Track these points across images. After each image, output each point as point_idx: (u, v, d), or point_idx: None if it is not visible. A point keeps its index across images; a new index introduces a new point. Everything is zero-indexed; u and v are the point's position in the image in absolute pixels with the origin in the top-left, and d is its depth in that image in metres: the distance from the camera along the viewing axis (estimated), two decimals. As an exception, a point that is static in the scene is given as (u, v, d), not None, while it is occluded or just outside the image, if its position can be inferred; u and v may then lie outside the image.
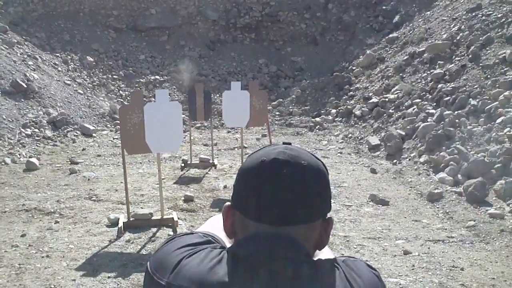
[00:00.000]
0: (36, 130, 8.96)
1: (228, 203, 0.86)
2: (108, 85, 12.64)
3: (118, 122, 8.41)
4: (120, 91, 12.68)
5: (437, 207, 5.67)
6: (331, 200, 0.85)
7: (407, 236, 4.82)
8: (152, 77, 13.41)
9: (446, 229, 4.98)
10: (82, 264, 4.11)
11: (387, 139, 8.24)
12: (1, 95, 9.06)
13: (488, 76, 7.81)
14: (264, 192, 0.77)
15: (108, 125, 10.88)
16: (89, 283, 3.78)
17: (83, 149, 8.83)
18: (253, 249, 0.77)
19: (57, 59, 12.09)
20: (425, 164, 6.99)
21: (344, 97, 11.77)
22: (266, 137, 9.73)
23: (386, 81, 10.71)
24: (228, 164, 8.04)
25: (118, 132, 8.64)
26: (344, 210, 5.62)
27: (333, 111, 11.48)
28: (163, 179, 6.14)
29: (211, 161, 7.76)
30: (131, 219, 4.98)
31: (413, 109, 8.56)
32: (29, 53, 11.18)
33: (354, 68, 12.86)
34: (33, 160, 7.54)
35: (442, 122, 7.46)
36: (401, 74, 10.37)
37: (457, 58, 8.99)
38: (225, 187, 6.62)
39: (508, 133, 6.18)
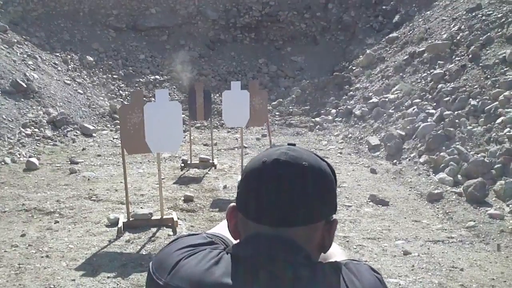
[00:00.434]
0: (36, 130, 8.95)
1: (232, 204, 0.86)
2: (108, 84, 12.63)
3: (118, 122, 8.41)
4: (120, 91, 12.66)
5: (437, 208, 5.67)
6: (336, 201, 0.84)
7: (407, 237, 4.82)
8: (152, 77, 13.40)
9: (446, 230, 4.98)
10: (81, 264, 4.11)
11: (387, 139, 8.23)
12: (1, 94, 9.05)
13: (488, 76, 7.80)
14: (264, 193, 0.78)
15: (108, 125, 10.87)
16: (89, 283, 3.77)
17: (83, 149, 8.83)
18: (252, 250, 0.78)
19: (57, 58, 12.08)
20: (425, 164, 6.99)
21: (344, 97, 11.76)
22: (266, 137, 9.72)
23: (386, 81, 10.70)
24: (228, 164, 8.04)
25: (118, 132, 8.64)
26: (344, 211, 5.62)
27: (333, 111, 11.47)
28: (163, 179, 6.14)
29: (211, 161, 7.77)
30: (131, 219, 4.98)
31: (413, 109, 8.55)
32: (29, 53, 11.17)
33: (354, 68, 12.85)
34: (33, 160, 7.53)
35: (442, 122, 7.46)
36: (401, 74, 10.36)
37: (457, 58, 8.98)
38: (225, 187, 6.61)
39: (508, 133, 6.18)
